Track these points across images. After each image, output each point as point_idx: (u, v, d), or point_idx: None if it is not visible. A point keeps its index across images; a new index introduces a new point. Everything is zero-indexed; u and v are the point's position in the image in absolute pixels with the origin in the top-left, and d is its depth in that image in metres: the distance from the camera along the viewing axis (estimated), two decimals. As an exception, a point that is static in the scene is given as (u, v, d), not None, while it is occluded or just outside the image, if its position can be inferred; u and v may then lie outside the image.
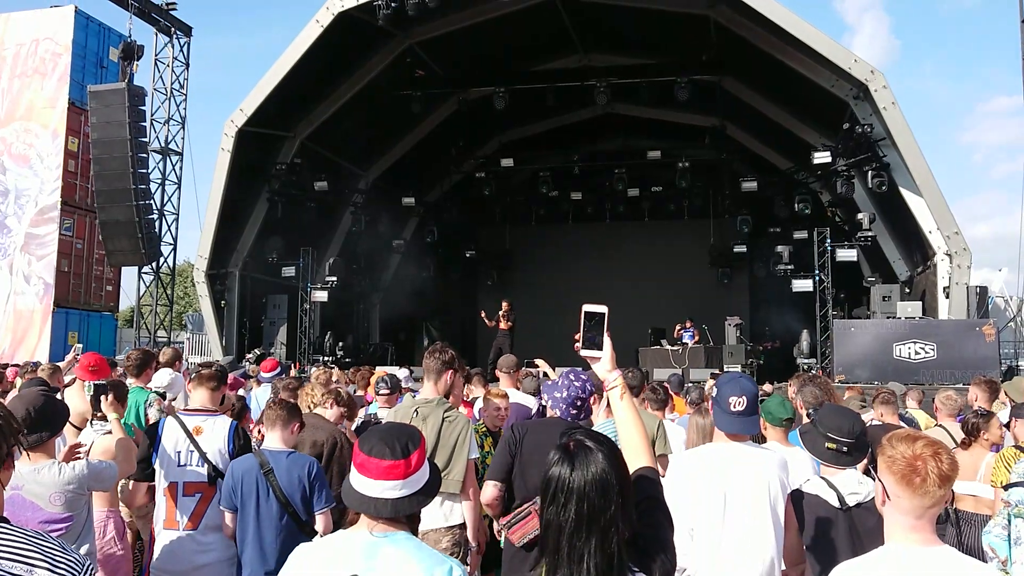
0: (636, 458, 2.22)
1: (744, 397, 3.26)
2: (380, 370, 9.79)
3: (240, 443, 4.11)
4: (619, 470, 1.88)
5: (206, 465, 4.01)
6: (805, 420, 4.92)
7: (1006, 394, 6.07)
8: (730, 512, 3.23)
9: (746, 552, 3.22)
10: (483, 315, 16.97)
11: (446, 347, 4.43)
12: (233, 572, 3.96)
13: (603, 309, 2.34)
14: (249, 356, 17.35)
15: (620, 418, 2.30)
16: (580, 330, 2.34)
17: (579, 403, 3.65)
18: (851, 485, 3.12)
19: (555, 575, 1.83)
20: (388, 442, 2.14)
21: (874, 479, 4.32)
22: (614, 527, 1.82)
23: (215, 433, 4.08)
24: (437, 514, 4.20)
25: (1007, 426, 5.02)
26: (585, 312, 2.34)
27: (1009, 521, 3.89)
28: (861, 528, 3.02)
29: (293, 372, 12.57)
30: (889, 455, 2.21)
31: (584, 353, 2.35)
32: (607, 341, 2.33)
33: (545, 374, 7.32)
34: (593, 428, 3.11)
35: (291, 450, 4.10)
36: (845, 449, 3.19)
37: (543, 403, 5.95)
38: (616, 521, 1.82)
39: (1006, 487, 4.01)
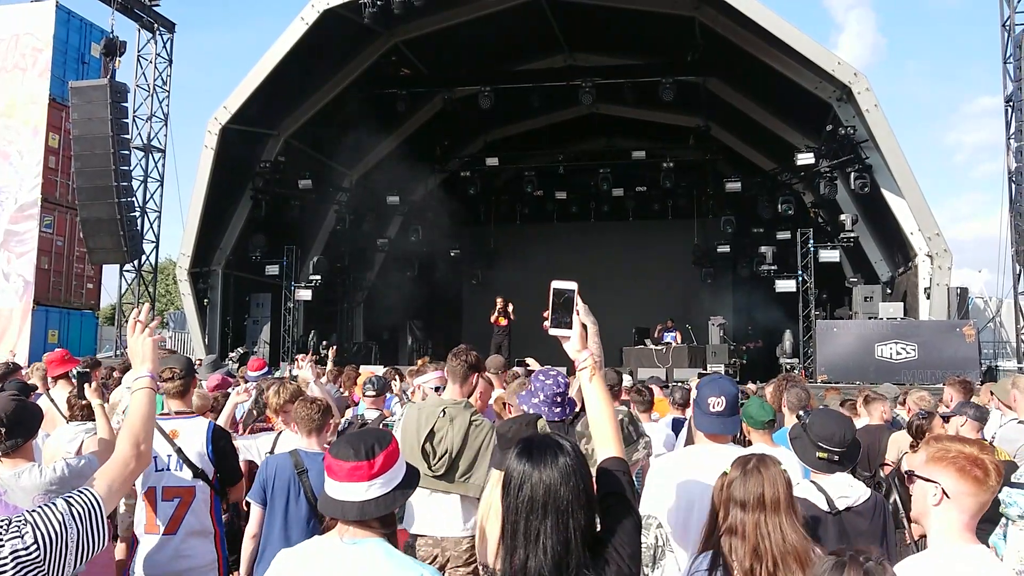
0: (604, 445, 2.15)
1: (723, 397, 3.21)
2: (366, 370, 9.75)
3: (221, 444, 4.00)
4: (582, 465, 1.88)
5: (186, 469, 3.90)
6: (790, 421, 4.95)
7: (991, 394, 6.09)
8: (700, 514, 3.05)
9: None
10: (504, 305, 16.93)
11: (470, 349, 4.29)
12: None
13: (572, 286, 2.25)
14: (232, 355, 17.25)
15: (590, 400, 2.22)
16: (549, 308, 2.24)
17: (559, 399, 3.43)
18: (841, 488, 3.07)
19: (513, 558, 1.82)
20: (353, 444, 2.08)
21: (891, 485, 4.28)
22: (571, 514, 1.81)
23: (193, 436, 3.97)
24: (456, 520, 4.05)
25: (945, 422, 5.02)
26: (554, 289, 2.25)
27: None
28: (852, 532, 2.96)
29: (286, 374, 12.45)
30: (940, 453, 2.12)
31: (553, 332, 2.25)
32: (576, 320, 2.23)
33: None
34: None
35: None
36: (836, 458, 3.15)
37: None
38: (574, 508, 1.81)
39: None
